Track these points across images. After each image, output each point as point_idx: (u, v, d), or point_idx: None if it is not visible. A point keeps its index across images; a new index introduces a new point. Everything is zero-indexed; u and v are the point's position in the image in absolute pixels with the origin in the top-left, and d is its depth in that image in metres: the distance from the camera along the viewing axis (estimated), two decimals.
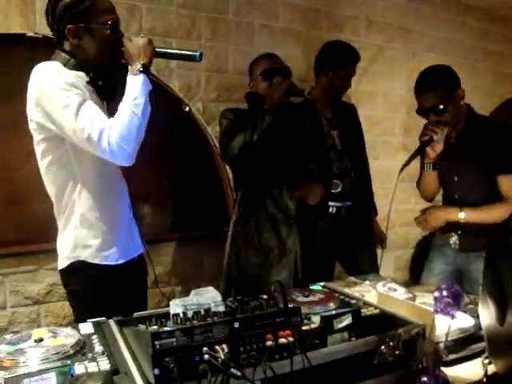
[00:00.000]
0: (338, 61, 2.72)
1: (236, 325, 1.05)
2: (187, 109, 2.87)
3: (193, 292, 1.29)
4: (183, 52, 1.73)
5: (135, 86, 1.61)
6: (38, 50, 2.43)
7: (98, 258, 1.75)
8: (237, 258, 2.47)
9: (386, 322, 1.30)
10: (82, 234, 1.73)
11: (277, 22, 3.20)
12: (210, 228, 2.98)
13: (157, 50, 1.70)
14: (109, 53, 1.69)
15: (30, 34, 2.46)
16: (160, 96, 2.73)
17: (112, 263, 1.77)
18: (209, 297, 1.24)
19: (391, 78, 3.86)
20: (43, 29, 2.47)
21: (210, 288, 1.31)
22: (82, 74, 1.68)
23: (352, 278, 1.94)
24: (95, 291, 1.75)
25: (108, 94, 1.73)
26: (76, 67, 1.67)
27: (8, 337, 1.23)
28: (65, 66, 1.65)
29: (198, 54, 1.69)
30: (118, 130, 1.55)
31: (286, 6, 3.23)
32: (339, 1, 3.50)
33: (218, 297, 1.25)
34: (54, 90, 1.55)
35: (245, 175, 2.48)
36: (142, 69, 1.63)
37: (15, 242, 2.54)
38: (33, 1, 2.47)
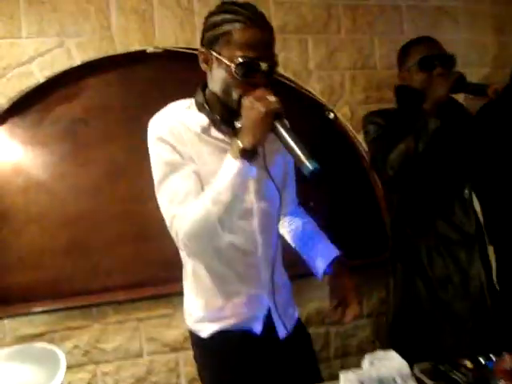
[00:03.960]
0: None
1: None
2: (332, 115, 2.43)
3: (367, 359, 1.06)
4: (299, 152, 1.17)
5: (225, 176, 1.23)
6: (160, 67, 2.29)
7: (191, 322, 1.54)
8: (404, 290, 2.02)
9: None
10: (190, 290, 1.55)
11: (428, 1, 2.66)
12: (366, 256, 2.51)
13: (276, 126, 1.21)
14: (230, 97, 1.31)
15: (151, 49, 2.24)
16: (297, 103, 2.37)
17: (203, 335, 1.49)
18: (392, 367, 0.98)
19: None
20: (164, 42, 2.25)
21: (392, 353, 1.05)
22: (202, 117, 1.36)
23: None
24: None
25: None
26: (202, 104, 1.37)
27: None
28: (191, 104, 1.40)
29: (311, 167, 1.14)
30: (186, 223, 1.26)
31: None
32: None
33: (405, 367, 0.99)
34: (150, 147, 1.36)
35: (408, 193, 1.99)
36: (240, 154, 1.22)
37: (148, 283, 2.32)
38: (151, 14, 2.24)
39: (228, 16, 1.27)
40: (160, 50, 2.25)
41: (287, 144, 1.19)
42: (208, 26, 1.31)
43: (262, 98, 1.21)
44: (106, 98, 2.27)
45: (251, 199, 1.40)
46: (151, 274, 2.32)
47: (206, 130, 1.33)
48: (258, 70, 1.25)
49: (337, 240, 2.52)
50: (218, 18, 1.29)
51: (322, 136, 2.47)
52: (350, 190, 2.54)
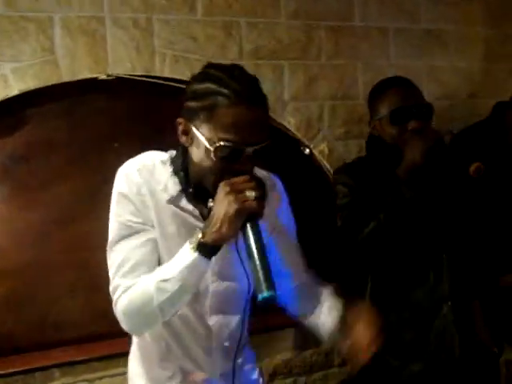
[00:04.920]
0: None
1: None
2: (307, 151, 2.20)
3: None
4: (260, 273, 1.01)
5: (177, 264, 1.10)
6: (114, 97, 2.03)
7: None
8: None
9: None
10: (134, 355, 1.42)
11: (417, 23, 2.41)
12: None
13: (246, 229, 1.04)
14: (208, 181, 1.12)
15: (102, 76, 1.95)
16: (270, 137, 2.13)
17: None
18: None
19: None
20: (118, 68, 1.97)
21: None
22: (175, 183, 1.18)
23: None
24: None
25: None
26: (178, 170, 1.19)
27: None
28: (167, 160, 1.22)
29: (264, 295, 0.99)
30: (125, 300, 1.15)
31: None
32: None
33: None
34: (112, 199, 1.20)
35: (377, 261, 1.79)
36: (199, 246, 1.06)
37: (101, 339, 2.10)
38: (103, 35, 1.94)
39: (212, 86, 1.05)
40: (113, 78, 1.97)
41: (251, 256, 1.02)
42: (188, 95, 1.11)
43: (239, 191, 1.02)
44: (50, 133, 1.99)
45: (206, 278, 1.21)
46: (105, 329, 2.06)
47: (174, 201, 1.17)
48: (242, 154, 1.04)
49: None
50: (199, 87, 1.08)
51: (297, 174, 2.22)
52: (321, 234, 2.28)
